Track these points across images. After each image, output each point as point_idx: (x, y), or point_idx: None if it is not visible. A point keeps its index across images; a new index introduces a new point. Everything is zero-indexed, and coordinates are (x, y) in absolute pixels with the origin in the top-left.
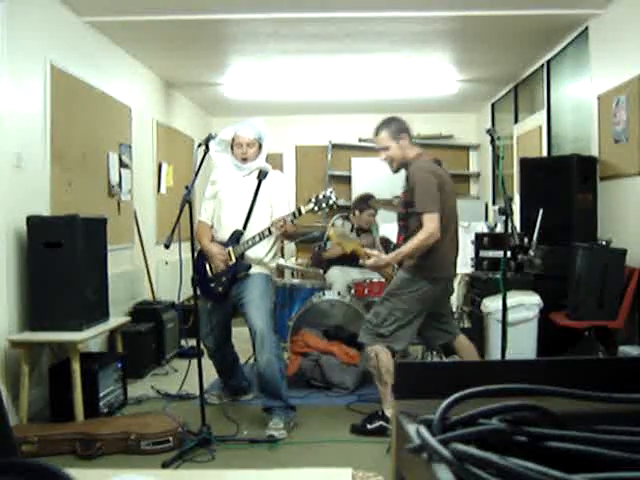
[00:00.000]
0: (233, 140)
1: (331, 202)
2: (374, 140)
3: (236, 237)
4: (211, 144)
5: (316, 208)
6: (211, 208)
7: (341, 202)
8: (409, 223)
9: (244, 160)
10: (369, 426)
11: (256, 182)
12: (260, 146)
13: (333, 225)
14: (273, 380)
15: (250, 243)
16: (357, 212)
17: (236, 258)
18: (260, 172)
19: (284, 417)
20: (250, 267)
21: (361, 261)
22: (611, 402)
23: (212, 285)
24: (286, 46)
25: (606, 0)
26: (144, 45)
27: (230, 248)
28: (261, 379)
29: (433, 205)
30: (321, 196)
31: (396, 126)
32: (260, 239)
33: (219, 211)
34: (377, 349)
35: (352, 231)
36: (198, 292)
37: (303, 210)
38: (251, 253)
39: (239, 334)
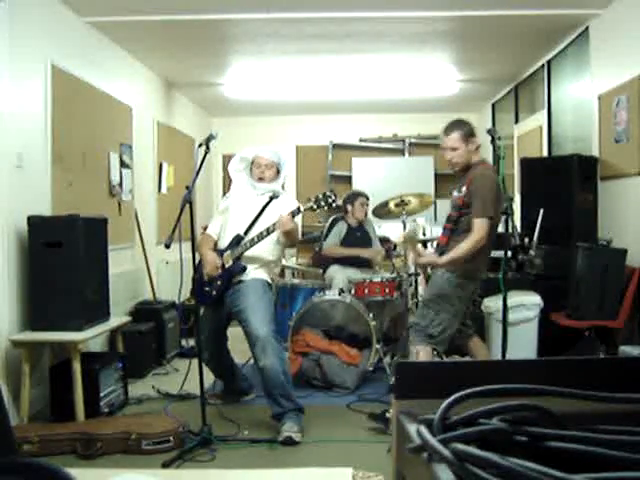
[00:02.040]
0: (253, 162)
1: (330, 201)
2: (442, 139)
3: (236, 241)
4: (232, 162)
5: (315, 206)
6: (219, 223)
7: (341, 202)
8: (459, 225)
9: (260, 180)
10: (388, 415)
11: (267, 201)
12: (278, 171)
13: (405, 230)
14: (281, 383)
15: (248, 245)
16: (349, 207)
17: (233, 260)
18: (273, 193)
19: (297, 420)
20: (245, 268)
21: (412, 258)
22: (611, 402)
23: (207, 289)
24: (286, 46)
25: (606, 0)
26: (145, 45)
27: (228, 252)
28: (268, 384)
29: (488, 212)
30: (321, 195)
31: (469, 129)
32: (258, 240)
33: (225, 223)
34: (419, 348)
35: (349, 232)
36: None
37: (302, 208)
38: (255, 254)
39: (236, 334)
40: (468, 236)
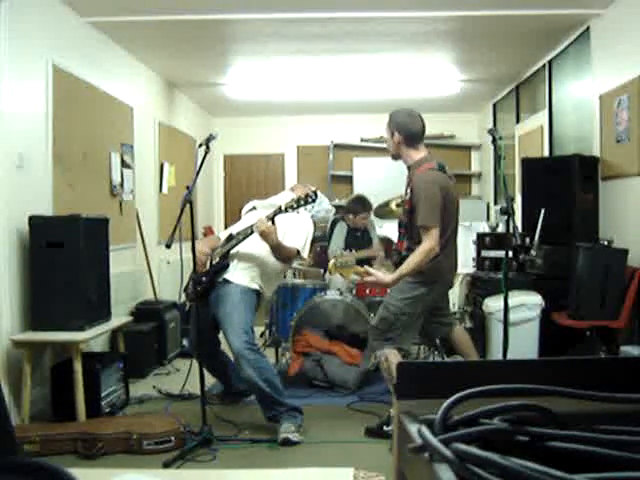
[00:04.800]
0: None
1: (310, 200)
2: None
3: (227, 240)
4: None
5: (295, 205)
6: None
7: (343, 202)
8: (412, 232)
9: (290, 190)
10: (386, 428)
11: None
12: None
13: (335, 258)
14: (264, 392)
15: (234, 242)
16: (351, 216)
17: (220, 257)
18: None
19: (293, 420)
20: (228, 265)
21: (358, 277)
22: (612, 402)
23: (194, 286)
24: (287, 46)
25: (608, 0)
26: (146, 45)
27: (219, 249)
28: (253, 393)
29: (434, 220)
30: (302, 195)
31: (395, 121)
32: (243, 237)
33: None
34: (385, 353)
35: (349, 233)
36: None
37: (283, 207)
38: (248, 253)
39: None
40: (417, 247)
